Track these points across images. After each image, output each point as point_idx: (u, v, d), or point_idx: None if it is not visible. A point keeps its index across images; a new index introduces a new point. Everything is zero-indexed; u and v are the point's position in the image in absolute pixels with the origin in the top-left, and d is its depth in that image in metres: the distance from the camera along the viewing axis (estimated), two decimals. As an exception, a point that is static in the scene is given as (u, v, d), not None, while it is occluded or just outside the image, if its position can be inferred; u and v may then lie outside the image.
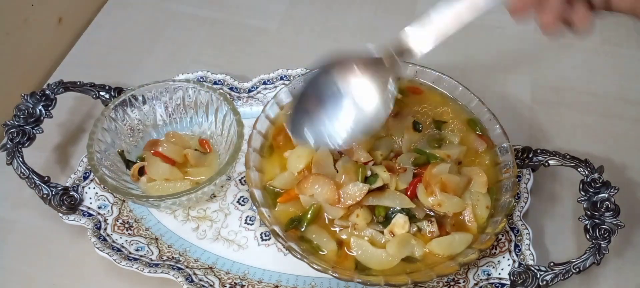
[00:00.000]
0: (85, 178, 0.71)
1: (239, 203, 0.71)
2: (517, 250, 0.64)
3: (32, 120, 0.70)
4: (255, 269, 0.65)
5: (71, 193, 0.68)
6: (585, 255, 0.61)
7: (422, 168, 0.63)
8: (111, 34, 0.93)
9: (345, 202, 0.61)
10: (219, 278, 0.64)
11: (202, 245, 0.67)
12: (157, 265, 0.63)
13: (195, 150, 0.72)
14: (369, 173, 0.63)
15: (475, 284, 0.63)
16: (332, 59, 0.53)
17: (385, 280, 0.57)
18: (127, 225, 0.68)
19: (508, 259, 0.64)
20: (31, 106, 0.71)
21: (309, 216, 0.62)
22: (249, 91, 0.79)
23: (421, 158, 0.65)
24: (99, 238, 0.65)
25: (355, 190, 0.61)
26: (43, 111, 0.71)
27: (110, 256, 0.63)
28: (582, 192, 0.64)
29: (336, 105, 0.54)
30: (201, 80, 0.79)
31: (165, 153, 0.69)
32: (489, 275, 0.63)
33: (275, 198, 0.64)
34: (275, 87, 0.79)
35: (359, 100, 0.54)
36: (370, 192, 0.62)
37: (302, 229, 0.61)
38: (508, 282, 0.62)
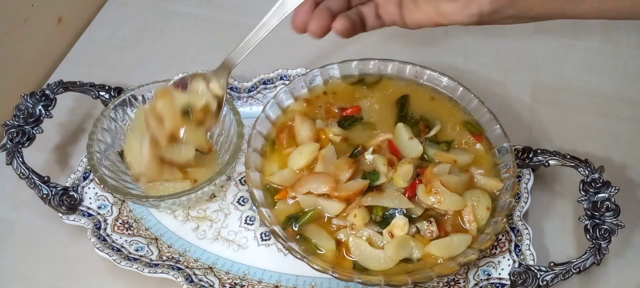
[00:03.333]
0: (85, 178, 0.71)
1: (239, 203, 0.71)
2: (517, 250, 0.64)
3: (31, 120, 0.70)
4: (255, 269, 0.65)
5: (71, 193, 0.68)
6: (585, 255, 0.61)
7: (422, 169, 0.64)
8: (111, 34, 0.93)
9: (343, 195, 0.61)
10: (218, 279, 0.64)
11: (202, 245, 0.67)
12: (157, 265, 0.63)
13: (196, 150, 0.71)
14: (370, 158, 0.64)
15: (476, 284, 0.62)
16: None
17: (385, 280, 0.57)
18: (127, 225, 0.68)
19: (508, 259, 0.64)
20: (31, 106, 0.71)
21: (307, 217, 0.61)
22: (249, 91, 0.79)
23: (425, 163, 0.65)
24: (99, 238, 0.65)
25: (355, 185, 0.62)
26: (43, 111, 0.71)
27: (110, 256, 0.63)
28: (582, 192, 0.64)
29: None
30: (201, 80, 0.79)
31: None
32: (489, 275, 0.63)
33: (274, 196, 0.64)
34: (275, 87, 0.79)
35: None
36: (369, 191, 0.62)
37: (297, 227, 0.61)
38: (508, 282, 0.62)
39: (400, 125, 0.67)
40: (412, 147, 0.66)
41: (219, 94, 0.66)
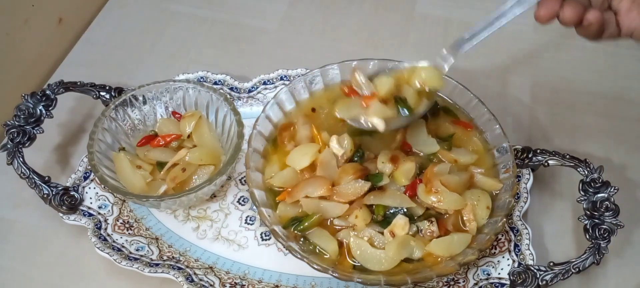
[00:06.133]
0: (85, 178, 0.71)
1: (239, 203, 0.71)
2: (516, 250, 0.64)
3: (32, 120, 0.71)
4: (256, 269, 0.65)
5: (71, 193, 0.68)
6: (584, 255, 0.61)
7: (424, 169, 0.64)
8: (111, 34, 0.93)
9: (344, 198, 0.61)
10: (219, 278, 0.64)
11: (202, 244, 0.67)
12: (157, 265, 0.64)
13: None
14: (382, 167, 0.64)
15: (475, 284, 0.63)
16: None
17: (385, 280, 0.57)
18: (127, 225, 0.68)
19: (508, 259, 0.64)
20: (32, 106, 0.71)
21: (310, 221, 0.61)
22: (249, 91, 0.79)
23: (427, 162, 0.65)
24: (100, 238, 0.65)
25: (357, 187, 0.62)
26: (43, 111, 0.72)
27: (110, 256, 0.63)
28: (581, 192, 0.64)
29: None
30: (201, 80, 0.79)
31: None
32: (488, 275, 0.63)
33: (275, 197, 0.64)
34: (275, 87, 0.79)
35: None
36: (371, 190, 0.62)
37: (300, 230, 0.61)
38: (508, 282, 0.62)
39: (420, 121, 0.67)
40: (428, 143, 0.66)
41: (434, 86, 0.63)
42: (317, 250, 0.61)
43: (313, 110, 0.71)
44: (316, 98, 0.73)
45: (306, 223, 0.61)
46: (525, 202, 0.67)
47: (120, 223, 0.68)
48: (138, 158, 0.70)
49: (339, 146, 0.65)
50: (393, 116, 0.62)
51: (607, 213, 0.62)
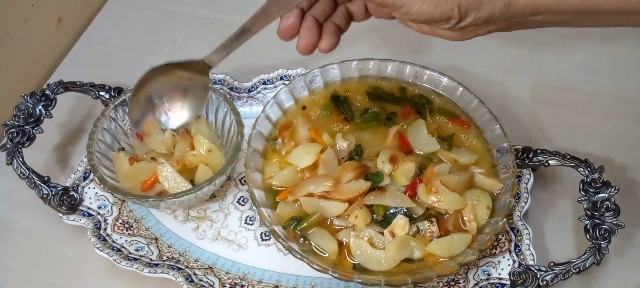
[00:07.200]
0: (85, 178, 0.71)
1: (239, 203, 0.71)
2: (517, 250, 0.64)
3: (32, 120, 0.70)
4: (255, 269, 0.65)
5: (71, 193, 0.68)
6: (585, 255, 0.61)
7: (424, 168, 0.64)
8: (111, 34, 0.93)
9: (344, 196, 0.61)
10: (219, 278, 0.64)
11: (202, 245, 0.67)
12: (157, 265, 0.63)
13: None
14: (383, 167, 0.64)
15: (476, 284, 0.62)
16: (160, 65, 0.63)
17: (385, 280, 0.57)
18: (127, 225, 0.68)
19: (508, 259, 0.64)
20: (31, 106, 0.71)
21: (310, 220, 0.61)
22: (249, 91, 0.79)
23: (427, 162, 0.65)
24: (99, 238, 0.65)
25: (357, 187, 0.62)
26: (43, 111, 0.71)
27: (110, 256, 0.63)
28: (582, 192, 0.64)
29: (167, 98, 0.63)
30: (201, 80, 0.79)
31: None
32: (489, 275, 0.63)
33: (275, 197, 0.64)
34: (275, 87, 0.79)
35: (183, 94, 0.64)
36: (371, 190, 0.62)
37: (300, 230, 0.61)
38: (508, 282, 0.62)
39: (420, 121, 0.68)
40: (428, 143, 0.66)
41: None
42: (319, 247, 0.61)
43: (304, 108, 0.71)
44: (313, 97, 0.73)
45: (306, 223, 0.61)
46: (525, 202, 0.67)
47: (120, 223, 0.68)
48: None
49: (343, 142, 0.66)
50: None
51: (607, 214, 0.62)
